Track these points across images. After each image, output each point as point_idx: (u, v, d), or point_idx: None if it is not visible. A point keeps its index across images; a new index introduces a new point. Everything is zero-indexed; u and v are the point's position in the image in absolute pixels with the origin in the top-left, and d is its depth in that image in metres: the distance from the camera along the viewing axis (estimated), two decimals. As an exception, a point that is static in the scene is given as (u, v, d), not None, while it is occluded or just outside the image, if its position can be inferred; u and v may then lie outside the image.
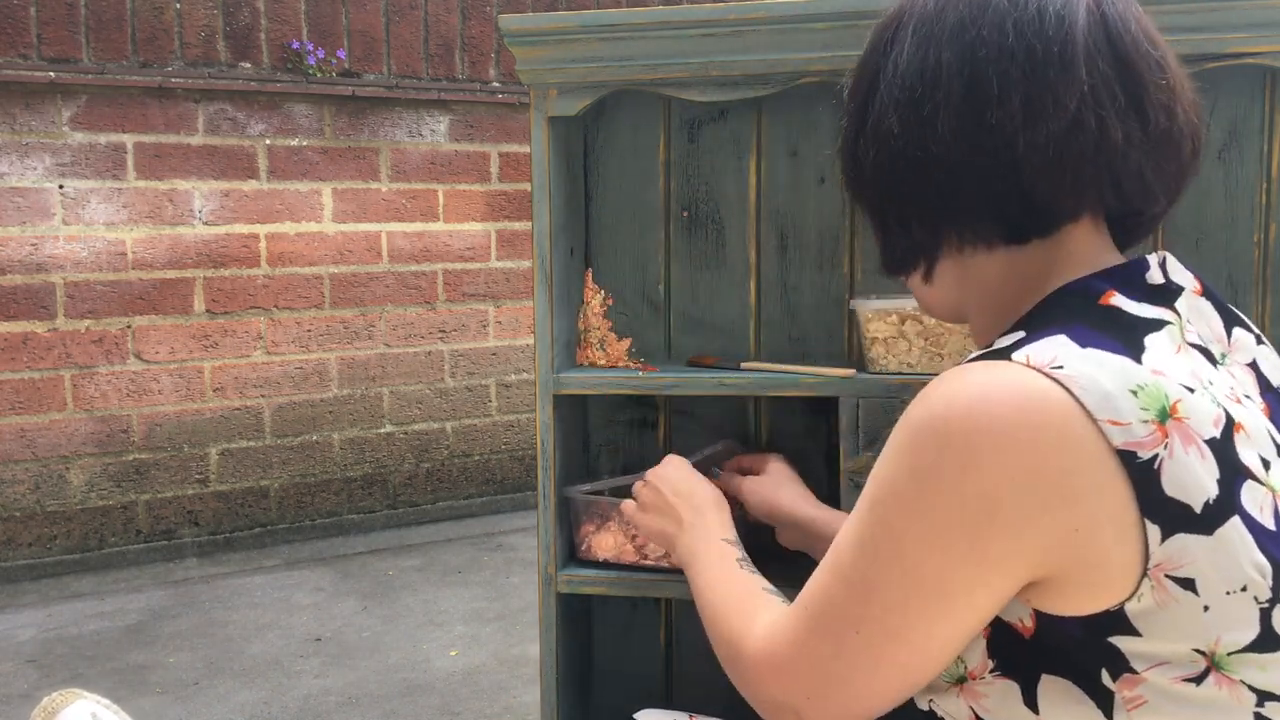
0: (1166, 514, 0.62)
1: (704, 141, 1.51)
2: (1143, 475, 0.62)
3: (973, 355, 0.72)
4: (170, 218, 3.45)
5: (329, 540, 3.72)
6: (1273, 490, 0.66)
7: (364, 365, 3.80)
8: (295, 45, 3.58)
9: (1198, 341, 0.72)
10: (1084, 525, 0.62)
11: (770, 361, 1.50)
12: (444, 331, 3.93)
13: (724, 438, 1.54)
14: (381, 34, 3.75)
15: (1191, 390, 0.65)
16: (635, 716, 1.10)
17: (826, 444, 1.52)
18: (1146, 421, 0.63)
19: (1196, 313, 0.75)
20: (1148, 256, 0.75)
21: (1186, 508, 0.62)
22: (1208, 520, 0.62)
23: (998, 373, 0.65)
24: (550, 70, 1.36)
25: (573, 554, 1.49)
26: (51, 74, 3.22)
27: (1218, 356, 0.73)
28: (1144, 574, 0.63)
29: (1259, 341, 0.78)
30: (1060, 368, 0.64)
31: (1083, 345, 0.66)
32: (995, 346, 0.71)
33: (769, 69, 1.30)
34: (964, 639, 0.68)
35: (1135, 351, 0.66)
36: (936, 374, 1.30)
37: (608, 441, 1.59)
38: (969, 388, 0.65)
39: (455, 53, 3.88)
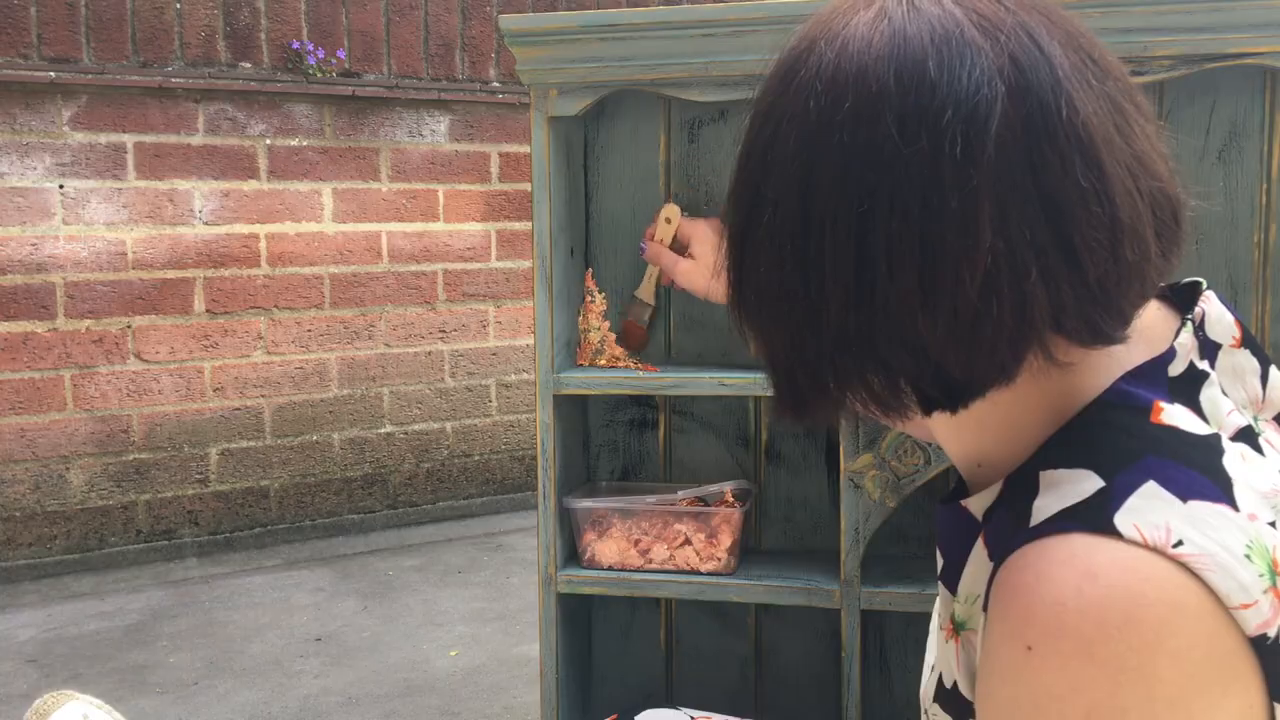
0: None
1: (704, 141, 1.51)
2: (1272, 657, 0.55)
3: (1049, 514, 0.58)
4: (170, 218, 3.45)
5: (329, 540, 3.72)
6: None
7: (364, 365, 3.80)
8: (295, 45, 3.58)
9: (1238, 424, 0.64)
10: (1239, 711, 0.56)
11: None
12: (444, 331, 3.93)
13: (723, 440, 1.54)
14: (381, 34, 3.75)
15: (1274, 524, 0.58)
16: (636, 717, 1.10)
17: (827, 444, 1.52)
18: (1266, 591, 0.55)
19: (1234, 373, 0.67)
20: (1175, 343, 0.64)
21: None
22: None
23: (1123, 561, 0.55)
24: (550, 70, 1.36)
25: (574, 558, 1.49)
26: (51, 74, 3.22)
27: (1254, 425, 0.66)
28: None
29: None
30: (1180, 545, 0.55)
31: (1182, 497, 0.56)
32: (1071, 502, 0.58)
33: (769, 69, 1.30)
34: None
35: (1227, 489, 0.58)
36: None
37: (608, 441, 1.59)
38: (1108, 595, 0.54)
39: (455, 53, 3.88)
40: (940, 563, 0.72)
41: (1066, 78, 0.58)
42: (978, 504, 0.67)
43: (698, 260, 1.41)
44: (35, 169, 3.25)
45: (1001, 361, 0.60)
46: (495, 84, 3.94)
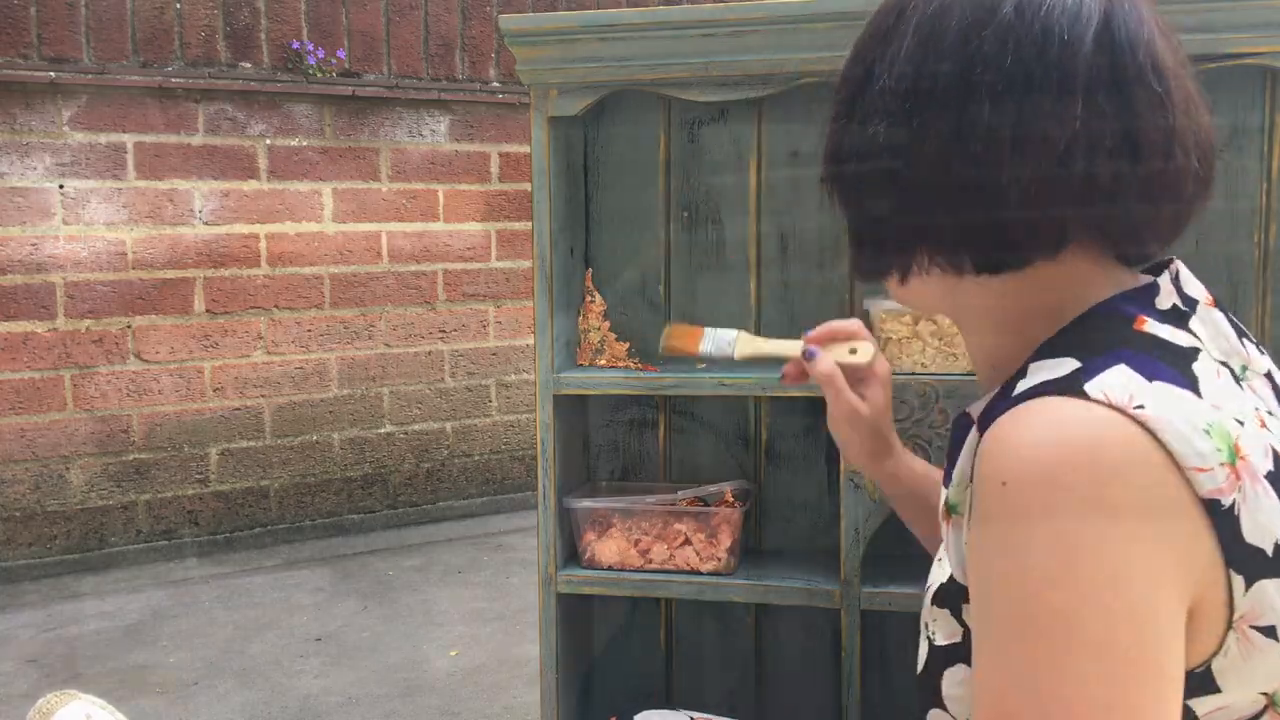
0: (1248, 562, 0.60)
1: (704, 141, 1.51)
2: (1226, 524, 0.60)
3: (1030, 385, 0.66)
4: (170, 218, 3.45)
5: (329, 540, 3.72)
6: None
7: (364, 365, 3.80)
8: (295, 45, 3.58)
9: (1221, 358, 0.70)
10: (1196, 567, 0.61)
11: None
12: (444, 331, 3.93)
13: (723, 440, 1.54)
14: (381, 34, 3.75)
15: (1242, 423, 0.63)
16: (635, 717, 1.10)
17: (827, 444, 1.52)
18: (1223, 465, 0.60)
19: (1212, 327, 0.72)
20: (1158, 279, 0.73)
21: (1261, 552, 0.61)
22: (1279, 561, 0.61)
23: (1089, 414, 0.61)
24: (550, 70, 1.36)
25: (574, 558, 1.49)
26: (51, 74, 3.22)
27: (1238, 371, 0.71)
28: (1229, 627, 0.61)
29: (1261, 353, 0.75)
30: (1141, 407, 0.61)
31: (1148, 377, 0.63)
32: (1050, 377, 0.66)
33: (769, 69, 1.30)
34: (1179, 689, 0.61)
35: (1193, 383, 0.64)
36: (949, 374, 1.30)
37: (608, 441, 1.59)
38: (1075, 435, 0.61)
39: (455, 53, 3.88)
40: (944, 472, 0.78)
41: (1150, 21, 0.70)
42: (977, 408, 0.75)
43: (870, 403, 1.00)
44: (35, 169, 3.25)
45: (1058, 230, 0.69)
46: (495, 84, 3.94)
